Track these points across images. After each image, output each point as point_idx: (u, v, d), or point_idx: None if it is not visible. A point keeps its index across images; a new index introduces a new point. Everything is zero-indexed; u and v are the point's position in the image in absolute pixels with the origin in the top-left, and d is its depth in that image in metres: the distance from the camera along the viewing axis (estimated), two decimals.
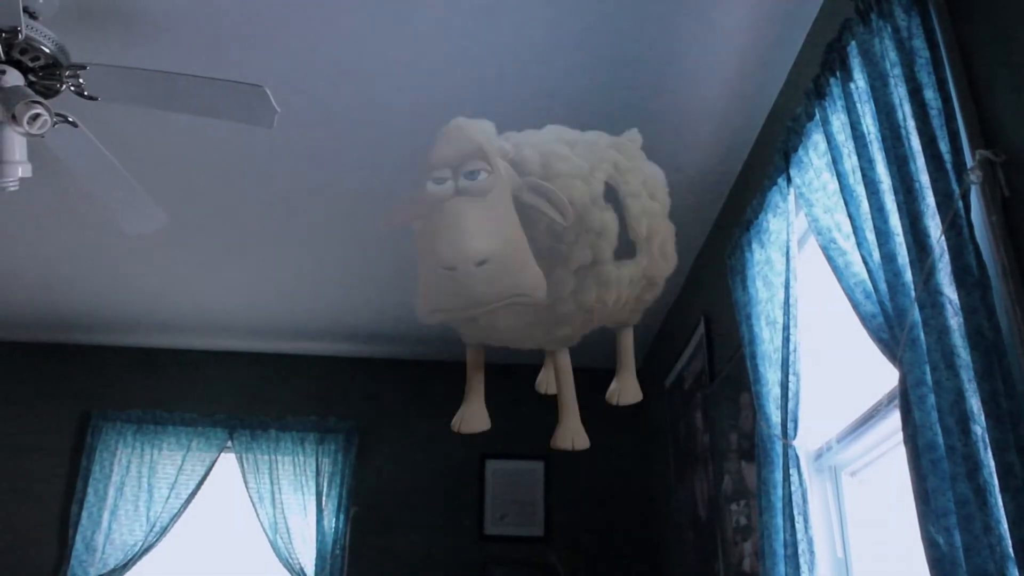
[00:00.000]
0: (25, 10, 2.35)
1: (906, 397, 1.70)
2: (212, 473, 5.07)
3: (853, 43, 2.01)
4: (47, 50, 2.42)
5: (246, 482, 5.02)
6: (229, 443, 5.14)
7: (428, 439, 5.23)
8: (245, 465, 5.06)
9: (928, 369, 1.62)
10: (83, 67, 2.47)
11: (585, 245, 1.68)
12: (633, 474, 5.18)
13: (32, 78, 2.48)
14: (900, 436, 1.74)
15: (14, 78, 2.40)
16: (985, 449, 1.45)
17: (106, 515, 4.91)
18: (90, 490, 4.92)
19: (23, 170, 2.52)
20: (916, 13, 1.79)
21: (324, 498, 4.99)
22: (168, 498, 4.96)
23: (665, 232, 1.90)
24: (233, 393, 5.35)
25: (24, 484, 5.03)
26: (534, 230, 1.62)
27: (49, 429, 5.18)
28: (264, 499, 4.97)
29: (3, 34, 2.30)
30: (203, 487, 5.02)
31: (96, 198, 2.96)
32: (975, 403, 1.49)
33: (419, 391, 5.38)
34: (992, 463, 1.42)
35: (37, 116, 2.25)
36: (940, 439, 1.56)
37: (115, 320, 5.08)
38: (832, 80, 2.14)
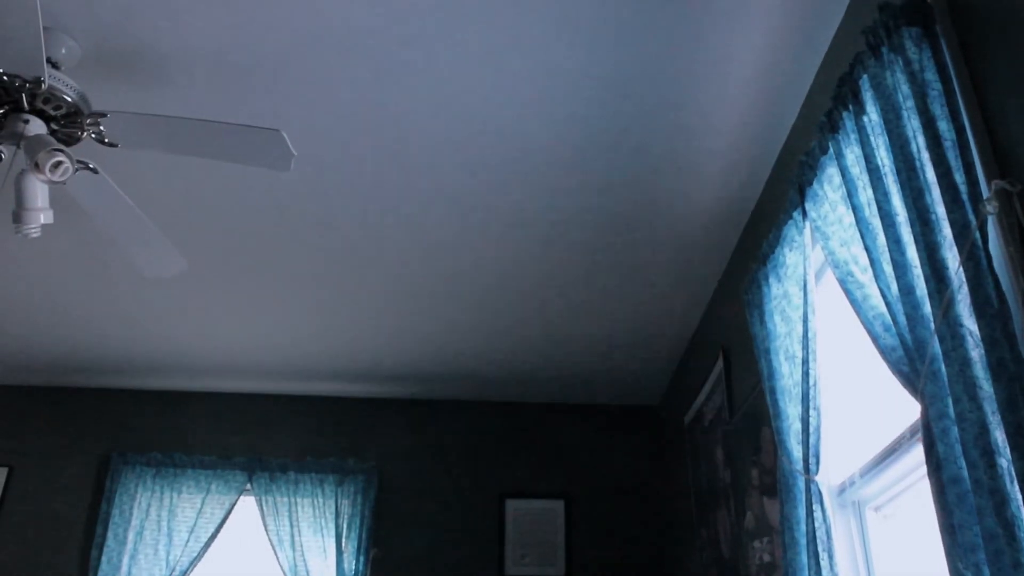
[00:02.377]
0: (48, 60, 2.40)
1: (929, 430, 1.68)
2: (231, 516, 5.06)
3: (865, 76, 2.02)
4: (69, 99, 2.47)
5: (265, 525, 5.00)
6: (248, 486, 5.13)
7: (448, 479, 5.20)
8: (264, 508, 5.04)
9: (950, 402, 1.60)
10: (104, 115, 2.51)
11: None
12: (655, 512, 5.13)
13: (54, 126, 2.53)
14: (924, 470, 1.72)
15: (37, 127, 2.45)
16: (1012, 482, 1.42)
17: (126, 559, 4.90)
18: (110, 534, 4.91)
19: (45, 216, 2.56)
20: (927, 46, 1.80)
21: (344, 540, 4.96)
22: (187, 542, 4.94)
23: None
24: (252, 435, 5.36)
25: (44, 527, 5.03)
26: None
27: (69, 472, 5.20)
28: (284, 542, 4.95)
29: (27, 84, 2.35)
30: (222, 530, 5.01)
31: (116, 243, 2.99)
32: (999, 435, 1.47)
33: (438, 431, 5.36)
34: (1020, 497, 1.40)
35: (59, 164, 2.29)
36: (965, 473, 1.54)
37: (133, 363, 5.11)
38: (845, 114, 2.15)
